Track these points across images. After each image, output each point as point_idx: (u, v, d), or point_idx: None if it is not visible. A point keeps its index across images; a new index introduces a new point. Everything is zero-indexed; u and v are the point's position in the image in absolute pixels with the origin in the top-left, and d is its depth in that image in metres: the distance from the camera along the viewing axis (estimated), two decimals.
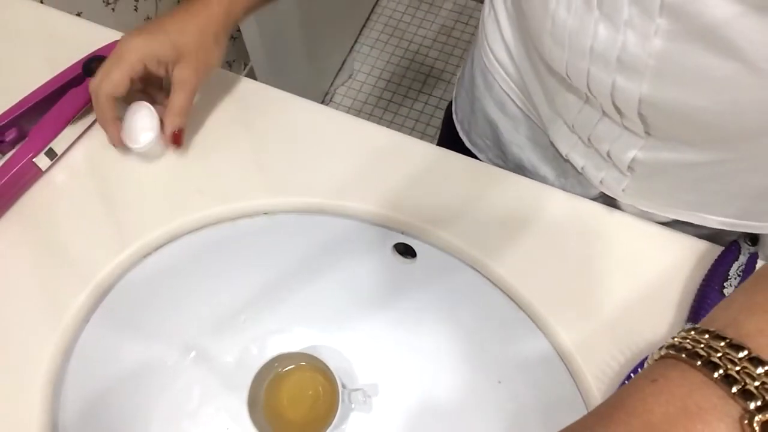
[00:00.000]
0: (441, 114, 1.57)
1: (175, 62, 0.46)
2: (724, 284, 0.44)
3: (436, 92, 1.59)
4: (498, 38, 0.50)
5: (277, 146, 0.51)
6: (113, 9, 0.93)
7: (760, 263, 0.45)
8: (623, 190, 0.47)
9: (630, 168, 0.44)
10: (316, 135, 0.52)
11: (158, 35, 0.46)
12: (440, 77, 1.61)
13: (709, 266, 0.45)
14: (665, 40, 0.32)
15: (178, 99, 0.47)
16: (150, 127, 0.48)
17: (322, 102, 1.57)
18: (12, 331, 0.45)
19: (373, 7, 1.72)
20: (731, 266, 0.44)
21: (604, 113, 0.41)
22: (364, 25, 1.69)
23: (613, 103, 0.38)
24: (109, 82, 0.45)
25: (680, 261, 0.46)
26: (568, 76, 0.40)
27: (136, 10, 0.99)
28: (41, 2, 0.77)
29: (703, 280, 0.45)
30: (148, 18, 1.03)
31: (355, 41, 1.66)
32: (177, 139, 0.49)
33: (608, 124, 0.42)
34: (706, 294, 0.44)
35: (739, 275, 0.44)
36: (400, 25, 1.69)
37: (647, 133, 0.40)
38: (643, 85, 0.35)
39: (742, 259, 0.45)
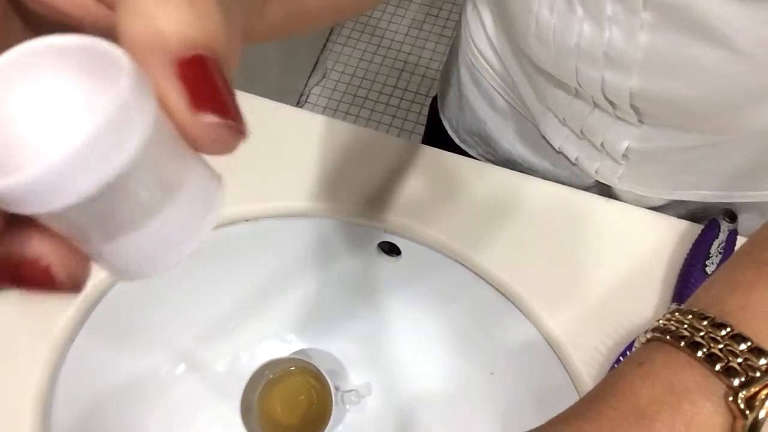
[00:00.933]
0: (417, 108, 1.57)
1: None
2: (706, 262, 0.44)
3: (410, 87, 1.59)
4: (482, 36, 0.50)
5: (253, 152, 0.50)
6: None
7: (740, 240, 0.46)
8: (619, 178, 0.47)
9: (625, 156, 0.44)
10: (293, 139, 0.51)
11: None
12: (414, 71, 1.61)
13: (690, 246, 0.46)
14: (651, 33, 0.32)
15: None
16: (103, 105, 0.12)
17: (298, 103, 1.56)
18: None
19: None
20: (712, 244, 0.45)
21: (595, 105, 0.41)
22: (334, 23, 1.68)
23: (605, 97, 0.38)
24: None
25: (661, 242, 0.47)
26: (556, 73, 0.40)
27: None
28: None
29: (686, 259, 0.45)
30: None
31: (327, 40, 1.66)
32: (235, 117, 0.14)
33: (600, 115, 0.42)
34: (690, 273, 0.44)
35: (720, 252, 0.44)
36: (370, 21, 1.69)
37: (641, 121, 0.40)
38: (633, 79, 0.35)
39: (722, 236, 0.45)
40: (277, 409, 0.51)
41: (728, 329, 0.23)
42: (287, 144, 0.51)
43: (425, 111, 1.57)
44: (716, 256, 0.44)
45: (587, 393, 0.27)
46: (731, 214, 0.46)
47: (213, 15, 0.14)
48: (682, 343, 0.24)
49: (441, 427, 0.53)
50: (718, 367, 0.23)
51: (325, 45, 1.64)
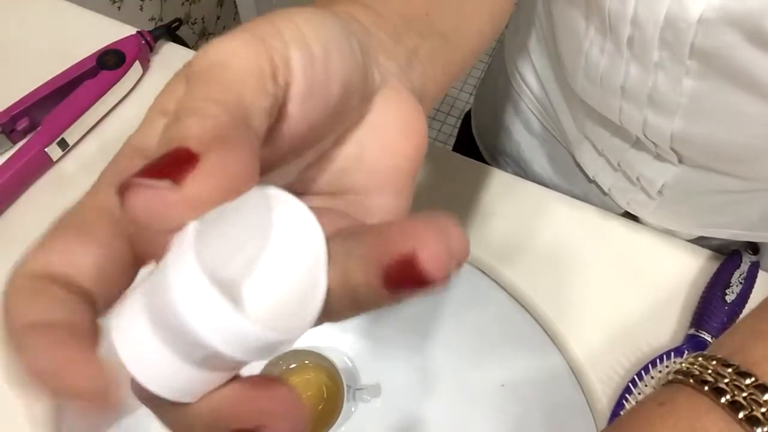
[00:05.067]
0: (437, 125, 1.58)
1: (370, 95, 0.19)
2: (726, 291, 0.45)
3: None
4: (526, 61, 0.50)
5: None
6: (119, 7, 0.93)
7: (761, 273, 0.46)
8: (650, 213, 0.47)
9: (660, 193, 0.44)
10: None
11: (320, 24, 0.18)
12: None
13: (711, 275, 0.46)
14: (696, 80, 0.33)
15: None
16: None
17: None
18: None
19: None
20: (733, 274, 0.45)
21: (636, 141, 0.42)
22: None
23: (645, 136, 0.39)
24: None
25: (683, 269, 0.47)
26: (599, 109, 0.41)
27: (141, 9, 0.99)
28: None
29: (706, 287, 0.46)
30: (152, 19, 1.03)
31: None
32: None
33: (639, 152, 0.42)
34: (709, 301, 0.45)
35: (740, 282, 0.45)
36: None
37: (680, 161, 0.40)
38: (675, 122, 0.36)
39: (744, 267, 0.46)
40: None
41: (753, 378, 0.24)
42: None
43: (445, 129, 1.59)
44: (736, 285, 0.45)
45: (604, 429, 0.27)
46: (754, 247, 0.47)
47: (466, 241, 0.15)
48: (706, 388, 0.24)
49: None
50: (741, 415, 0.23)
51: None
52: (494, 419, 0.51)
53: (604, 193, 0.50)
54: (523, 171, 0.57)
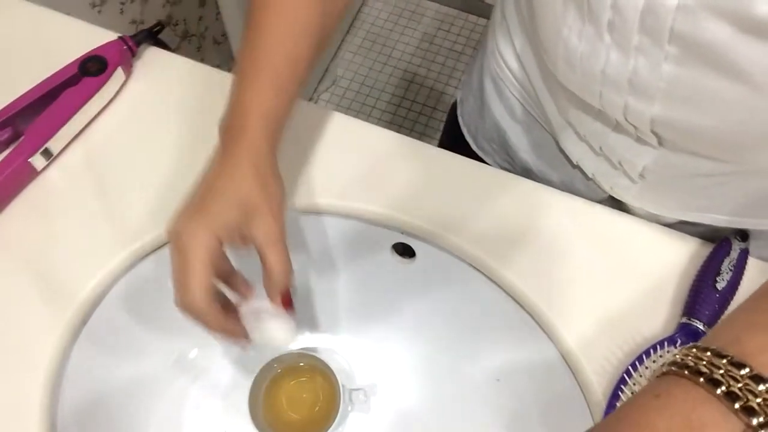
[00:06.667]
0: (424, 120, 1.58)
1: (248, 222, 0.38)
2: (717, 279, 0.45)
3: (418, 98, 1.60)
4: (509, 48, 0.51)
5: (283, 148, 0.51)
6: (99, 11, 0.92)
7: (750, 260, 0.47)
8: (633, 196, 0.48)
9: (641, 176, 0.45)
10: (317, 136, 0.52)
11: (213, 204, 0.37)
12: (423, 84, 1.62)
13: (702, 263, 0.46)
14: (675, 65, 0.33)
15: (272, 258, 0.38)
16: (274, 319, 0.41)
17: None
18: (4, 342, 0.44)
19: (356, 14, 1.73)
20: (723, 262, 0.46)
21: (617, 125, 0.42)
22: (347, 32, 1.70)
23: (626, 120, 0.39)
24: (191, 296, 0.36)
25: (674, 258, 0.47)
26: (580, 94, 0.41)
27: (122, 12, 0.98)
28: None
29: (696, 276, 0.46)
30: (133, 22, 1.02)
31: (338, 48, 1.67)
32: (287, 302, 0.41)
33: (620, 136, 0.43)
34: (700, 289, 0.45)
35: (730, 270, 0.45)
36: (382, 32, 1.70)
37: (660, 144, 0.41)
38: (655, 106, 0.36)
39: (733, 254, 0.46)
40: (284, 403, 0.51)
41: (747, 369, 0.24)
42: (312, 141, 0.52)
43: (432, 123, 1.58)
44: (726, 273, 0.45)
45: (600, 422, 0.27)
46: (743, 234, 0.47)
47: (290, 269, 0.40)
48: (701, 379, 0.25)
49: (444, 430, 0.53)
50: (737, 405, 0.23)
51: (336, 53, 1.66)
52: (491, 414, 0.52)
53: (588, 179, 0.51)
54: (510, 158, 0.58)
